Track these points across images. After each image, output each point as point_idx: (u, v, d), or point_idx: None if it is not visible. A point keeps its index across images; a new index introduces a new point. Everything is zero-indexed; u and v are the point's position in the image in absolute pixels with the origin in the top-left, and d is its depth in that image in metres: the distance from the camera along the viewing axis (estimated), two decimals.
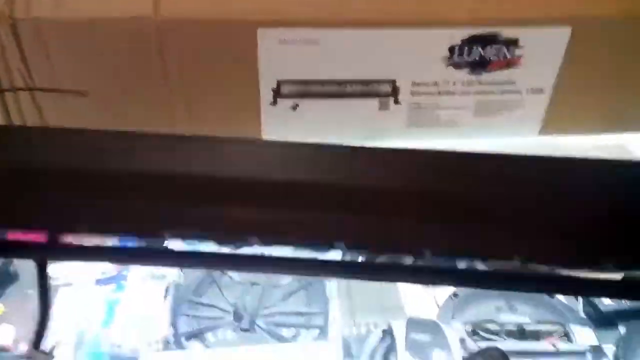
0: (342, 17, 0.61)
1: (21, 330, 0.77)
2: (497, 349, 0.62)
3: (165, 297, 0.93)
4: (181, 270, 1.00)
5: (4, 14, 0.53)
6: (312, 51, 0.63)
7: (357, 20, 0.62)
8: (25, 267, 0.67)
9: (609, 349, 0.89)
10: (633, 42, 0.64)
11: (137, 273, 0.98)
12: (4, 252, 0.53)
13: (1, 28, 0.54)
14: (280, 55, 0.62)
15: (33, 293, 0.68)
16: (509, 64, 0.65)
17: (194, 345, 0.90)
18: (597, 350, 0.86)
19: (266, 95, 0.65)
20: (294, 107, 0.67)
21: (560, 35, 0.64)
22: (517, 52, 0.65)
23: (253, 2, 0.59)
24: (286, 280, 1.01)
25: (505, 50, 0.64)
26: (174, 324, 0.91)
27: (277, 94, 0.66)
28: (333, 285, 1.03)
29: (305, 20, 0.61)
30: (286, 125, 0.68)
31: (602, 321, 0.92)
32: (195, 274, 1.00)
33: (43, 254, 0.52)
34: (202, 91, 0.63)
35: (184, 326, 0.92)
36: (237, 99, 0.65)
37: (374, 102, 0.68)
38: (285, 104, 0.66)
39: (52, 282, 0.94)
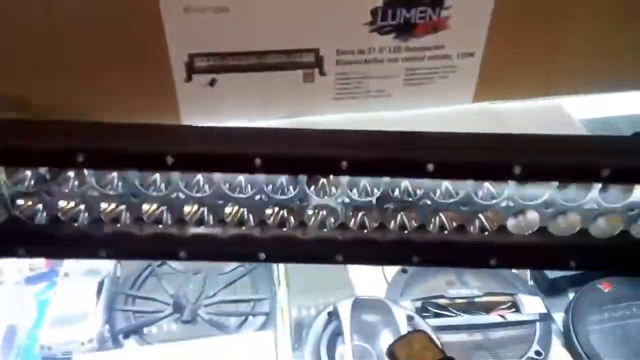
0: None
1: None
2: (422, 331, 0.59)
3: (98, 292, 0.89)
4: (118, 263, 0.95)
5: None
6: (223, 19, 0.58)
7: None
8: None
9: (559, 316, 0.88)
10: None
11: (70, 268, 0.93)
12: None
13: None
14: (188, 25, 0.57)
15: None
16: (436, 26, 0.62)
17: (132, 342, 0.85)
18: (545, 318, 0.86)
19: (178, 70, 0.60)
20: (212, 83, 0.62)
21: None
22: (444, 13, 0.61)
23: None
24: (231, 266, 0.97)
25: (430, 11, 0.60)
26: (109, 321, 0.86)
27: (191, 69, 0.61)
28: (281, 268, 0.99)
29: None
30: (205, 103, 0.64)
31: (550, 289, 0.92)
32: (133, 265, 0.95)
33: None
34: (107, 68, 0.57)
35: (121, 322, 0.87)
36: (147, 75, 0.60)
37: (297, 74, 0.64)
38: (200, 79, 0.62)
39: None
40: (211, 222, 0.48)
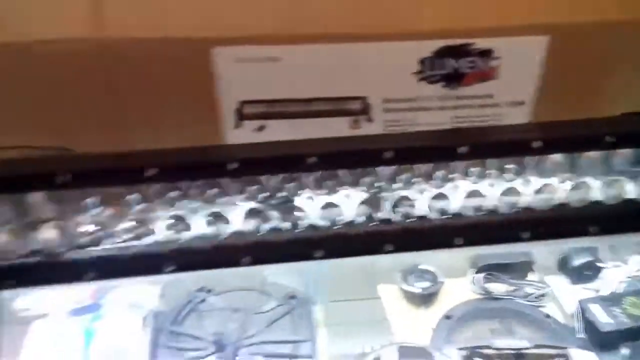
0: (304, 32, 0.58)
1: None
2: None
3: (143, 327, 0.90)
4: (161, 297, 0.97)
5: None
6: (274, 69, 0.59)
7: (320, 35, 0.58)
8: None
9: None
10: (612, 48, 0.60)
11: (114, 301, 0.95)
12: None
13: None
14: (239, 74, 0.59)
15: None
16: (485, 76, 0.61)
17: None
18: None
19: (229, 117, 0.62)
20: (260, 129, 0.63)
21: (537, 44, 0.60)
22: (493, 63, 0.61)
23: (206, 18, 0.56)
24: (269, 305, 0.97)
25: (479, 61, 0.60)
26: (153, 357, 0.87)
27: (241, 115, 0.62)
28: (319, 309, 0.99)
29: (264, 37, 0.57)
30: None
31: (602, 343, 0.88)
32: (175, 301, 0.97)
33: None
34: (159, 116, 0.59)
35: (164, 358, 0.88)
36: (197, 123, 0.61)
37: (344, 121, 0.64)
38: (250, 125, 0.63)
39: (24, 314, 0.90)
40: None
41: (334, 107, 0.63)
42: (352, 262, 1.05)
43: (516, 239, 0.52)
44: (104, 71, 0.54)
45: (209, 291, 0.99)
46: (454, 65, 0.60)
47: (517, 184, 0.52)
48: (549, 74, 0.62)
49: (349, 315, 0.99)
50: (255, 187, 0.53)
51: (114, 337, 0.89)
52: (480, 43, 0.59)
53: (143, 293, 0.97)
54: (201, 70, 0.56)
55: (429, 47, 0.59)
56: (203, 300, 0.97)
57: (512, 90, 0.63)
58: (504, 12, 0.58)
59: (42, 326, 0.89)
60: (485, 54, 0.60)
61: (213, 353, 0.88)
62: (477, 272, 0.99)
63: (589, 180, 0.52)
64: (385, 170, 0.53)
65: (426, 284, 0.98)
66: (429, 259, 1.00)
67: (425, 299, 0.98)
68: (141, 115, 0.57)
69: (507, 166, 0.53)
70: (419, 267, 1.00)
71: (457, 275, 1.02)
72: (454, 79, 0.62)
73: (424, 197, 0.54)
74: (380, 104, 0.63)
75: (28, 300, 0.90)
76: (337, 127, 0.64)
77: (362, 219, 0.54)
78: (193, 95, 0.58)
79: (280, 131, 0.63)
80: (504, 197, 0.54)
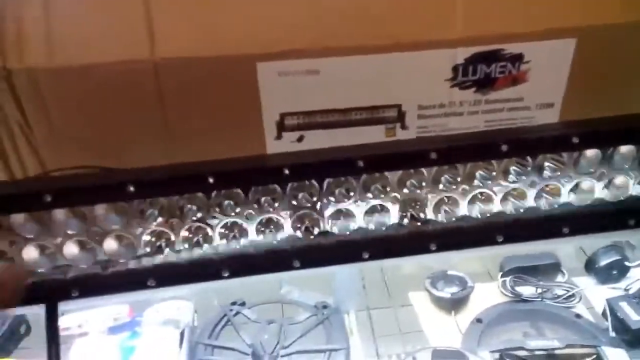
0: (341, 45, 0.60)
1: None
2: None
3: (180, 343, 0.91)
4: (195, 313, 0.98)
5: None
6: (313, 81, 0.62)
7: (357, 48, 0.61)
8: (38, 321, 0.66)
9: None
10: (637, 49, 0.63)
11: (151, 318, 0.96)
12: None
13: None
14: (281, 87, 0.61)
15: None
16: (516, 80, 0.64)
17: None
18: None
19: (270, 129, 0.64)
20: (300, 139, 0.66)
21: (566, 47, 0.62)
22: (523, 67, 0.63)
23: (250, 35, 0.59)
24: (303, 315, 0.99)
25: (510, 66, 0.63)
26: None
27: (281, 127, 0.64)
28: (352, 318, 1.00)
29: (304, 51, 0.60)
30: None
31: (633, 340, 0.88)
32: (210, 315, 0.98)
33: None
34: (204, 130, 0.62)
35: None
36: (240, 135, 0.64)
37: (380, 129, 0.66)
38: (290, 136, 0.65)
39: (67, 333, 0.92)
40: None
41: (370, 115, 0.65)
42: (379, 270, 1.07)
43: (558, 233, 0.54)
44: (157, 89, 0.56)
45: (242, 304, 1.00)
46: (486, 71, 0.63)
47: (556, 181, 0.55)
48: (576, 75, 0.64)
49: (381, 323, 1.00)
50: (302, 194, 0.55)
51: (152, 353, 0.90)
52: (511, 48, 0.62)
53: (178, 309, 0.98)
54: (247, 85, 0.59)
55: (462, 54, 0.61)
56: (237, 313, 0.98)
57: (542, 93, 0.65)
58: (532, 18, 0.61)
59: (83, 344, 0.91)
60: (516, 58, 0.62)
61: None
62: (505, 276, 1.00)
63: (623, 174, 0.54)
64: (427, 172, 0.55)
65: (455, 289, 1.00)
66: (458, 265, 1.01)
67: (456, 303, 0.99)
68: (190, 129, 0.60)
69: (546, 164, 0.55)
70: (448, 272, 1.01)
71: (486, 280, 1.03)
72: (485, 84, 0.64)
73: (465, 196, 0.56)
74: (414, 111, 0.66)
75: (70, 319, 0.92)
76: (372, 135, 0.66)
77: (405, 220, 0.56)
78: (239, 109, 0.61)
79: (318, 141, 0.66)
80: (542, 193, 0.56)
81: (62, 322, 0.91)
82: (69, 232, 0.55)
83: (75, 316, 0.93)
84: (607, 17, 0.61)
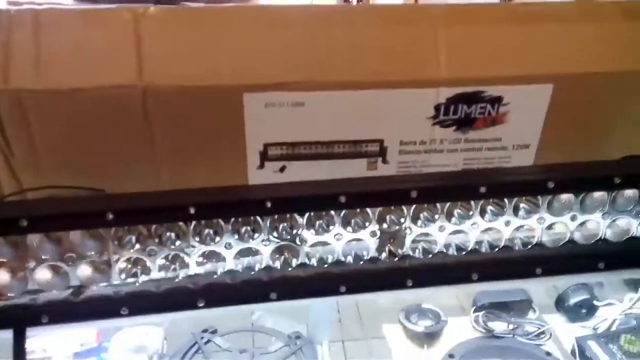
0: (328, 80, 0.62)
1: None
2: None
3: None
4: (164, 340, 0.96)
5: None
6: (298, 113, 0.62)
7: (343, 83, 0.62)
8: (3, 347, 0.64)
9: None
10: (611, 97, 0.65)
11: (119, 344, 0.94)
12: None
13: None
14: (266, 118, 0.62)
15: None
16: (495, 121, 0.66)
17: None
18: None
19: (253, 158, 0.64)
20: (282, 169, 0.66)
21: (543, 92, 0.64)
22: (502, 109, 0.65)
23: (238, 67, 0.59)
24: (276, 345, 0.98)
25: (490, 107, 0.65)
26: None
27: (265, 156, 0.65)
28: (325, 349, 0.99)
29: (290, 84, 0.61)
30: None
31: None
32: (180, 342, 0.96)
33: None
34: (189, 157, 0.62)
35: None
36: (223, 164, 0.64)
37: (362, 162, 0.67)
38: (272, 166, 0.66)
39: (31, 357, 0.89)
40: None
41: (353, 149, 0.66)
42: (352, 303, 1.07)
43: (531, 274, 0.55)
44: (144, 115, 0.57)
45: (214, 332, 0.99)
46: (466, 111, 0.64)
47: (531, 221, 0.57)
48: (552, 119, 0.66)
49: (354, 355, 0.99)
50: (282, 225, 0.56)
51: None
52: (491, 90, 0.64)
53: (147, 335, 0.96)
54: (233, 114, 0.59)
55: (444, 94, 0.63)
56: (208, 341, 0.97)
57: (519, 134, 0.67)
58: (512, 63, 0.63)
59: None
60: (495, 100, 0.64)
61: None
62: (478, 311, 1.01)
63: (595, 218, 0.57)
64: (407, 209, 0.56)
65: (429, 323, 1.00)
66: (432, 297, 1.02)
67: (429, 337, 0.99)
68: (175, 155, 0.60)
69: (522, 205, 0.57)
70: (422, 306, 1.02)
71: (459, 314, 1.04)
72: (465, 123, 0.66)
73: (443, 234, 0.57)
74: (396, 147, 0.67)
75: (34, 342, 0.89)
76: (354, 168, 0.67)
77: (383, 255, 0.56)
78: (224, 138, 0.61)
79: (300, 172, 0.66)
80: (517, 232, 0.57)
81: (27, 345, 0.88)
82: (43, 256, 0.54)
83: (40, 340, 0.91)
84: (583, 67, 0.64)
